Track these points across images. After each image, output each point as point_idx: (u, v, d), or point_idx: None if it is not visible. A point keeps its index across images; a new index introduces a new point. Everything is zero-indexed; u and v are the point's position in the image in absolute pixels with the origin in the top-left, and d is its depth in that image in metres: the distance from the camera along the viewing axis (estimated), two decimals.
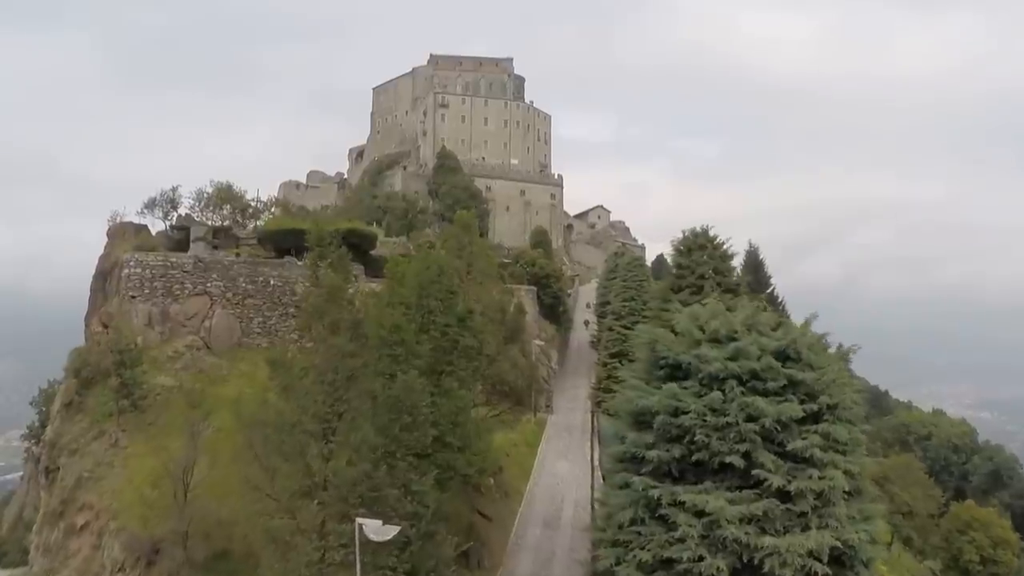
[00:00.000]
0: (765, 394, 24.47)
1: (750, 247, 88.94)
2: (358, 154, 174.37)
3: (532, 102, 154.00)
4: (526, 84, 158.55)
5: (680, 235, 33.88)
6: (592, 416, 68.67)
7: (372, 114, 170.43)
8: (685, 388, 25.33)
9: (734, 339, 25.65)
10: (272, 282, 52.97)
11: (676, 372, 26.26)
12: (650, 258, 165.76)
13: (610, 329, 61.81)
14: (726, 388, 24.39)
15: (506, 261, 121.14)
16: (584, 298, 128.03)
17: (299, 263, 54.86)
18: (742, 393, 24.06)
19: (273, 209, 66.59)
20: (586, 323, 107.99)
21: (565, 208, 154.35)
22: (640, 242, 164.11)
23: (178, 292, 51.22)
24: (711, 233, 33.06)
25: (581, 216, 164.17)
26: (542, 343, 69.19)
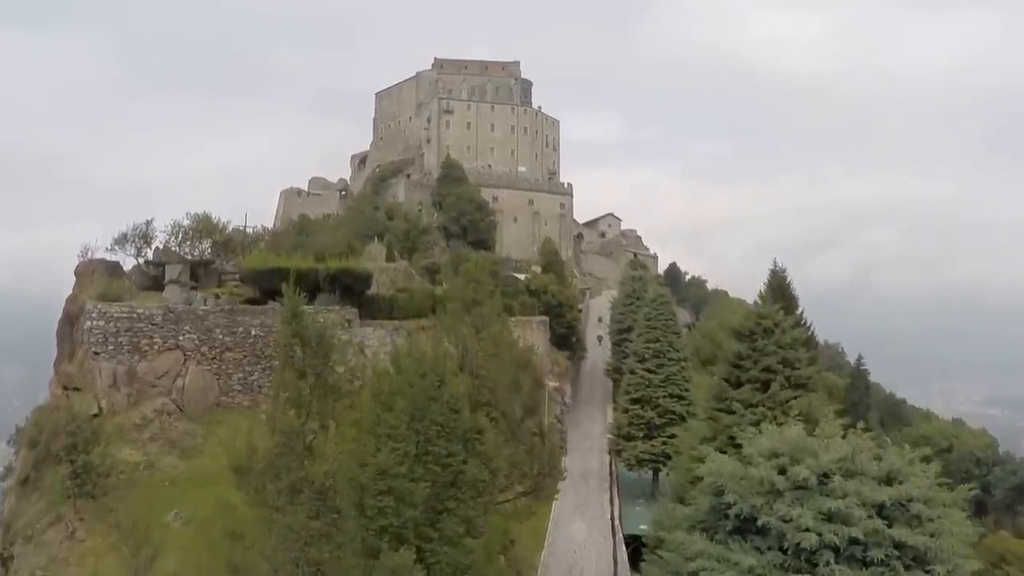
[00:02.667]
0: (866, 564, 18.08)
1: (775, 267, 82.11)
2: (361, 160, 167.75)
3: (540, 107, 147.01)
4: (533, 88, 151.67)
5: (739, 311, 26.95)
6: (610, 462, 62.22)
7: (375, 119, 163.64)
8: (760, 550, 18.89)
9: (826, 484, 19.23)
10: (253, 332, 46.35)
11: (749, 525, 19.83)
12: (662, 265, 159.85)
13: (632, 372, 55.05)
14: (819, 561, 17.93)
15: (516, 276, 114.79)
16: (595, 312, 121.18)
17: None
18: (840, 572, 17.61)
19: (260, 243, 59.91)
20: (599, 339, 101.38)
21: (574, 215, 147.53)
22: (652, 251, 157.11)
23: (146, 348, 44.61)
24: (778, 314, 26.17)
25: (591, 224, 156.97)
26: (556, 384, 62.57)
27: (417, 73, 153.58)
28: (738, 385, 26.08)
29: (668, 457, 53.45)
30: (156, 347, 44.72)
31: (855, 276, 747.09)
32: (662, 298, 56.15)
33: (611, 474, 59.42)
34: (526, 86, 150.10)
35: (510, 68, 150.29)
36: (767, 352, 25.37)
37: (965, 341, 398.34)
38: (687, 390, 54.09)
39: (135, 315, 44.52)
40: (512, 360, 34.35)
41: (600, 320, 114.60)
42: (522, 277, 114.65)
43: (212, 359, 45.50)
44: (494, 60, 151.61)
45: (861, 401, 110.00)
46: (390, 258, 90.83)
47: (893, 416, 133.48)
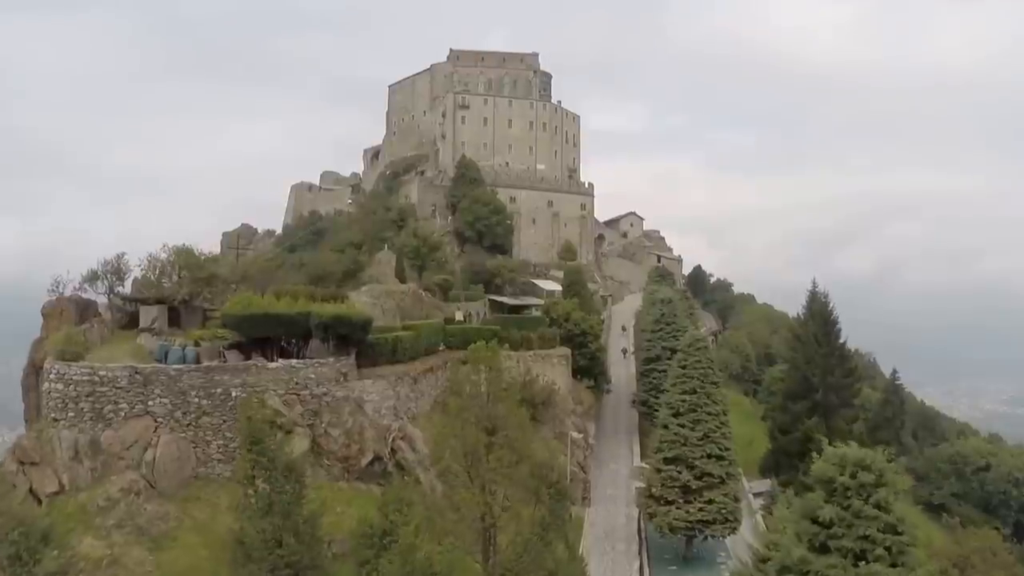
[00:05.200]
0: None
1: (814, 288, 75.31)
2: (374, 154, 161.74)
3: (560, 102, 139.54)
4: (553, 81, 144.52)
5: (824, 455, 20.72)
6: (639, 518, 56.23)
7: (388, 113, 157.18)
8: None
9: None
10: (234, 393, 40.45)
11: None
12: (686, 267, 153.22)
13: (665, 427, 48.85)
14: None
15: (535, 282, 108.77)
16: (619, 319, 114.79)
17: (271, 364, 42.52)
18: None
19: (241, 280, 54.01)
20: (624, 351, 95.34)
21: (595, 213, 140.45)
22: (676, 254, 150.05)
23: (111, 414, 38.77)
24: (880, 457, 19.95)
25: (612, 223, 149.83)
26: (580, 434, 56.59)
27: (431, 65, 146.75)
28: (824, 550, 19.94)
29: (705, 524, 47.71)
30: (122, 413, 38.91)
31: (881, 271, 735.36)
32: (699, 342, 49.75)
33: (639, 532, 53.43)
34: (545, 79, 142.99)
35: (528, 60, 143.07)
36: (866, 516, 19.18)
37: (992, 338, 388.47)
38: (727, 448, 47.94)
39: (96, 377, 38.71)
40: (532, 470, 28.32)
41: (624, 329, 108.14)
42: (540, 283, 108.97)
43: (187, 425, 39.70)
44: (512, 52, 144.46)
45: (896, 417, 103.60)
46: (399, 272, 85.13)
47: (926, 429, 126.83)
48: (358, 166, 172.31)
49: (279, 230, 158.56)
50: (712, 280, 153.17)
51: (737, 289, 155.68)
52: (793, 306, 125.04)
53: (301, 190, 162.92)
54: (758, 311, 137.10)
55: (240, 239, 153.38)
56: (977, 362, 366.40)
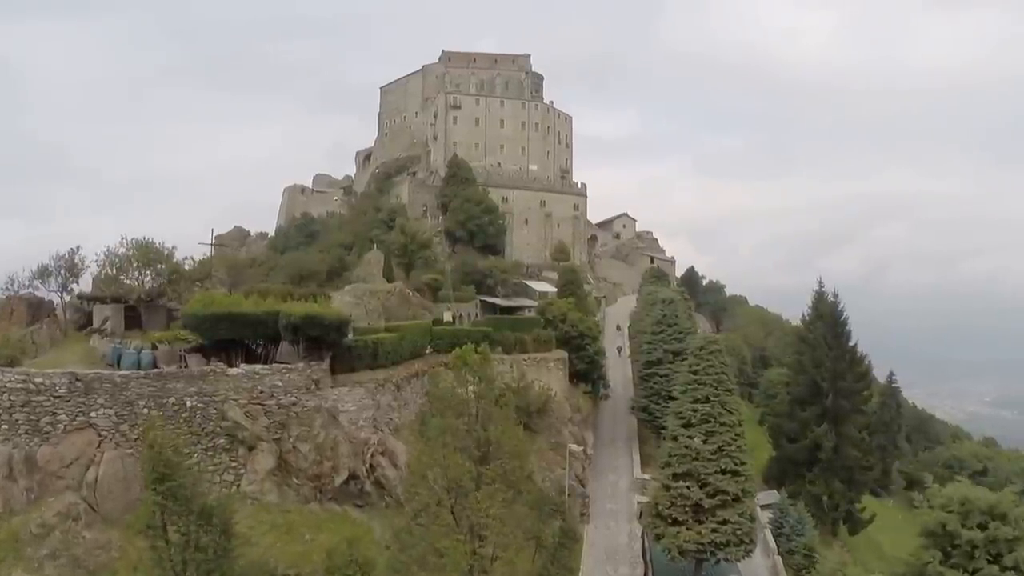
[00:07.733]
0: None
1: (820, 288, 69.77)
2: (365, 157, 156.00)
3: (552, 102, 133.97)
4: (544, 82, 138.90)
5: (930, 496, 14.86)
6: (642, 535, 50.44)
7: (380, 115, 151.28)
8: None
9: None
10: (189, 403, 34.48)
11: None
12: (679, 269, 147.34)
13: (674, 439, 42.93)
14: None
15: (528, 283, 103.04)
16: (613, 319, 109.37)
17: (232, 370, 36.50)
18: None
19: (212, 275, 48.00)
20: (619, 350, 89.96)
21: (587, 215, 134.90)
22: (669, 255, 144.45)
23: (48, 428, 32.84)
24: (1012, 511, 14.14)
25: (604, 225, 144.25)
26: (579, 447, 50.74)
27: (423, 66, 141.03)
28: None
29: (718, 546, 41.89)
30: (62, 426, 32.96)
31: (868, 272, 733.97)
32: (711, 345, 43.85)
33: (644, 554, 47.51)
34: (537, 80, 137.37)
35: (520, 61, 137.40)
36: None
37: (979, 339, 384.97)
38: (743, 463, 41.98)
39: (32, 385, 32.71)
40: (531, 505, 22.45)
41: (618, 328, 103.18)
42: (532, 284, 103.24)
43: (135, 440, 33.60)
44: (503, 53, 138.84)
45: (893, 421, 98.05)
46: (388, 271, 79.25)
47: (921, 432, 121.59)
48: (351, 170, 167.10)
49: (273, 232, 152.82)
50: (704, 282, 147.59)
51: (728, 291, 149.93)
52: (785, 308, 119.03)
53: (294, 192, 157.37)
54: (752, 313, 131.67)
55: (232, 240, 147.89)
56: (963, 363, 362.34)
